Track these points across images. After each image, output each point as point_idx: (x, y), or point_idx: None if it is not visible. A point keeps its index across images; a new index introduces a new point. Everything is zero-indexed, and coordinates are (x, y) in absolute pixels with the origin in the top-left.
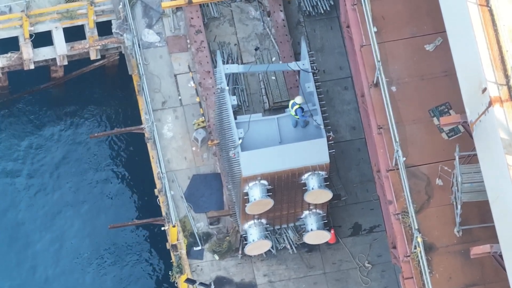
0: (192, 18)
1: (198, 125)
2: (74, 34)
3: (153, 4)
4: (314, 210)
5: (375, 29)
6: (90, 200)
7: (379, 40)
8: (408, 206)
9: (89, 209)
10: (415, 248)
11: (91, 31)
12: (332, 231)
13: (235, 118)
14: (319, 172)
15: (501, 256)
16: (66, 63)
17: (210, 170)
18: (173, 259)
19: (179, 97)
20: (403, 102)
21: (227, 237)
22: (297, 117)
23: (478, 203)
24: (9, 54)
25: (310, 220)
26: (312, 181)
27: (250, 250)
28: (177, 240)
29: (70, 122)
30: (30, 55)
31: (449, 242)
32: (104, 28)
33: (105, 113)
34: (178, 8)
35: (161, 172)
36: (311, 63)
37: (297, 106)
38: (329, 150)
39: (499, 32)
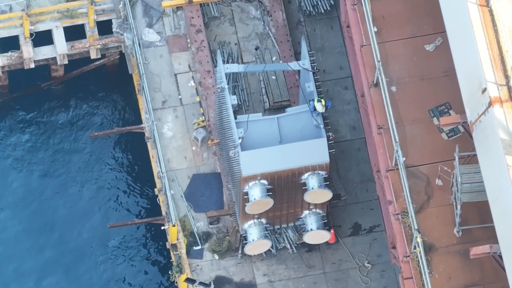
0: (192, 18)
1: (198, 124)
2: (74, 33)
3: (153, 4)
4: (314, 210)
5: (375, 29)
6: (90, 199)
7: (379, 40)
8: (408, 206)
9: (89, 208)
10: (415, 248)
11: (91, 30)
12: (332, 231)
13: (235, 118)
14: (319, 172)
15: (500, 256)
16: (66, 62)
17: (210, 169)
18: (173, 258)
19: (179, 97)
20: (403, 102)
21: (227, 237)
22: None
23: (477, 203)
24: (9, 53)
25: (310, 219)
26: (312, 180)
27: (250, 249)
28: (177, 239)
29: (70, 121)
30: (30, 54)
31: (449, 242)
32: (104, 27)
33: (105, 112)
34: (179, 8)
35: (161, 172)
36: (311, 63)
37: (315, 104)
38: (329, 150)
39: (499, 32)
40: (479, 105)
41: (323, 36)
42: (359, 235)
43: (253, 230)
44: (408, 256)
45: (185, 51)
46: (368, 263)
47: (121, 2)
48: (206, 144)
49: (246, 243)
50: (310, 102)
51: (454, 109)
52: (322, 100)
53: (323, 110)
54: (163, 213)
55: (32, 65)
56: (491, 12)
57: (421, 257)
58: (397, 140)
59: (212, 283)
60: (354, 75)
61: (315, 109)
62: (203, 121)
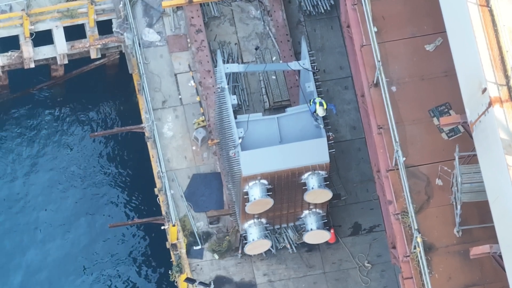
0: (192, 17)
1: (198, 124)
2: (74, 33)
3: (153, 3)
4: (314, 210)
5: (375, 29)
6: (90, 199)
7: (379, 40)
8: (408, 206)
9: (89, 208)
10: (415, 248)
11: (91, 30)
12: (332, 231)
13: (235, 118)
14: (319, 171)
15: (500, 256)
16: (66, 62)
17: (210, 169)
18: (173, 258)
19: (179, 96)
20: (403, 102)
21: (227, 237)
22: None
23: (477, 203)
24: (9, 53)
25: (310, 219)
26: (312, 180)
27: (250, 249)
28: (177, 239)
29: (70, 121)
30: (30, 54)
31: (449, 242)
32: (104, 27)
33: (105, 112)
34: (179, 7)
35: (161, 171)
36: (311, 63)
37: (316, 107)
38: (329, 149)
39: (499, 32)
40: (479, 105)
41: (323, 36)
42: (359, 235)
43: (253, 230)
44: (408, 256)
45: (185, 51)
46: (368, 263)
47: (121, 2)
48: (206, 144)
49: (246, 243)
50: (311, 104)
51: (454, 109)
52: (324, 104)
53: (324, 114)
54: (163, 213)
55: (32, 65)
56: (491, 12)
57: (421, 257)
58: (397, 140)
59: (212, 283)
60: (354, 75)
61: (315, 111)
62: (203, 121)
